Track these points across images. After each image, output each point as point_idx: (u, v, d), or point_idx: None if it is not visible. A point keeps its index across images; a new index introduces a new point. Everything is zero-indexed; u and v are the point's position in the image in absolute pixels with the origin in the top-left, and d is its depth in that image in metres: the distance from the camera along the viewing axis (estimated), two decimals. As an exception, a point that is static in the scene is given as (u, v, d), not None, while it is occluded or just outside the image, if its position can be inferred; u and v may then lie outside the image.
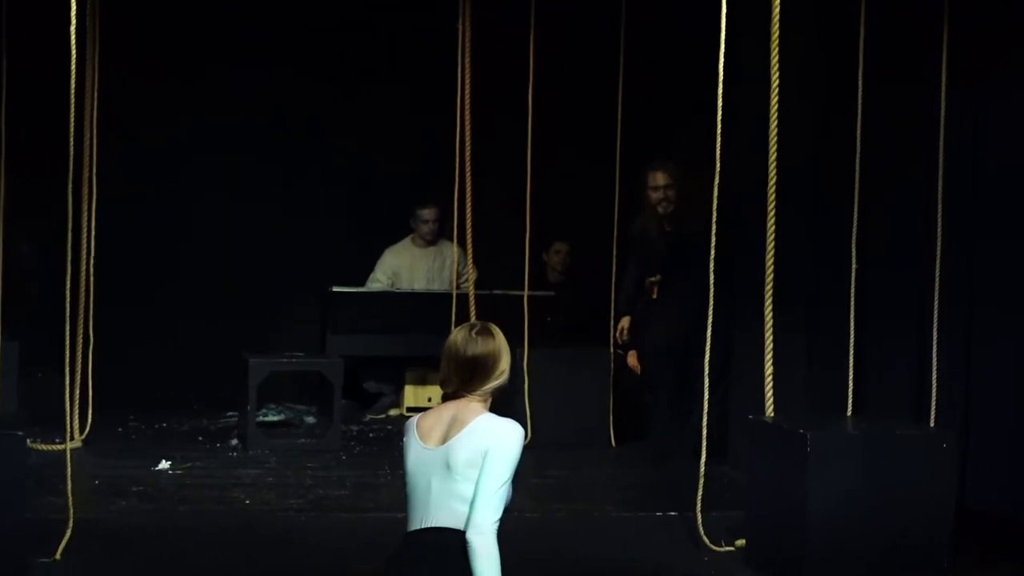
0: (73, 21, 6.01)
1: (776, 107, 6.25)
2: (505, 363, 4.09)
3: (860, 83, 7.07)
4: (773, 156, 6.28)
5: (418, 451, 4.07)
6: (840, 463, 5.88)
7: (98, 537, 6.22)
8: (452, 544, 3.93)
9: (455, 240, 9.32)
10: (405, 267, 10.25)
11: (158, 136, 10.05)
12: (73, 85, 6.14)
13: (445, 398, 4.14)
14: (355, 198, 10.51)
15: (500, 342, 4.10)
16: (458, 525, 3.95)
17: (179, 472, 7.77)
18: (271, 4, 10.28)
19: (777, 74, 6.23)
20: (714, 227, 6.32)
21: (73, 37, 6.04)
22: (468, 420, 4.02)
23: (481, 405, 4.08)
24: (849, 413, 7.02)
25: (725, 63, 6.09)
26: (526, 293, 8.75)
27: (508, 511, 3.99)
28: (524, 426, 4.08)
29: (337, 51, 10.38)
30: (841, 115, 7.32)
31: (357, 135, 10.42)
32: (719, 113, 6.19)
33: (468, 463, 3.96)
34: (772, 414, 6.37)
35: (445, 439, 4.03)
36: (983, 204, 6.97)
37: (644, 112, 9.38)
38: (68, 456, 6.24)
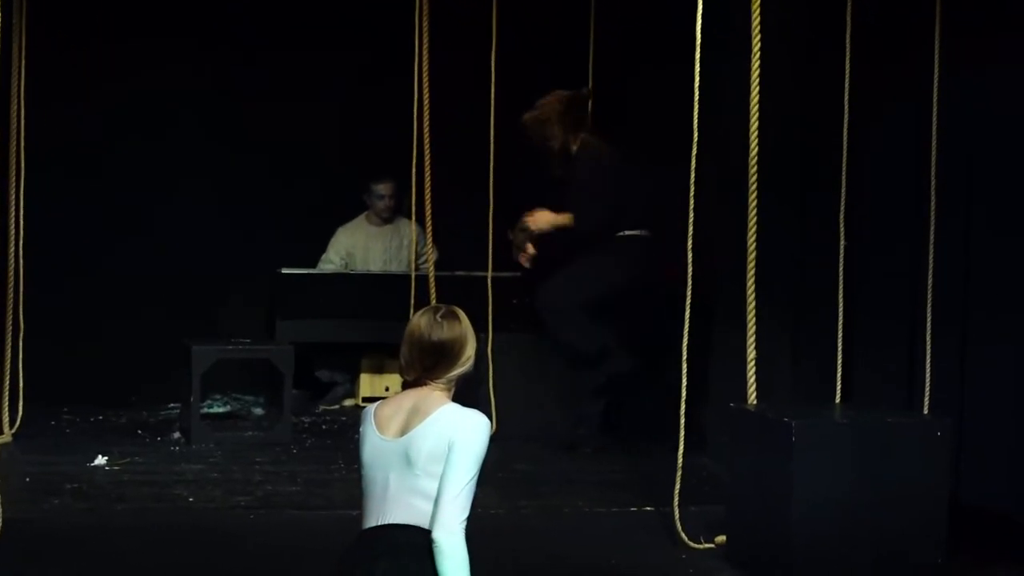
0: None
1: (757, 75, 6.23)
2: (471, 349, 4.09)
3: (847, 70, 7.03)
4: (754, 131, 6.26)
5: (375, 442, 4.04)
6: (827, 454, 5.86)
7: (30, 538, 6.17)
8: (410, 542, 3.91)
9: (413, 218, 9.25)
10: (360, 247, 10.20)
11: (93, 111, 9.90)
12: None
13: (405, 386, 4.11)
14: (305, 173, 10.41)
15: (466, 327, 4.10)
16: (417, 522, 3.91)
17: (117, 468, 7.71)
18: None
19: (759, 38, 6.21)
20: (691, 208, 6.32)
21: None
22: (430, 410, 3.98)
23: (444, 394, 4.06)
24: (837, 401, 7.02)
25: (702, 40, 6.07)
26: (490, 274, 8.72)
27: (472, 508, 3.95)
28: (489, 416, 4.05)
29: (284, 16, 10.25)
30: (828, 94, 7.30)
31: (307, 106, 10.30)
32: (696, 81, 6.15)
33: (430, 456, 3.92)
34: (755, 402, 6.35)
35: (405, 430, 3.99)
36: (978, 187, 6.96)
37: (614, 82, 9.35)
38: (-4, 452, 6.21)
